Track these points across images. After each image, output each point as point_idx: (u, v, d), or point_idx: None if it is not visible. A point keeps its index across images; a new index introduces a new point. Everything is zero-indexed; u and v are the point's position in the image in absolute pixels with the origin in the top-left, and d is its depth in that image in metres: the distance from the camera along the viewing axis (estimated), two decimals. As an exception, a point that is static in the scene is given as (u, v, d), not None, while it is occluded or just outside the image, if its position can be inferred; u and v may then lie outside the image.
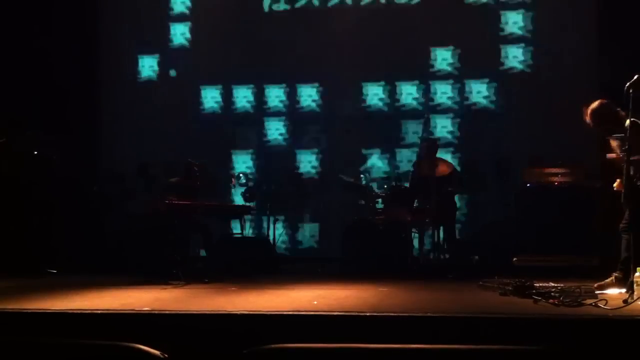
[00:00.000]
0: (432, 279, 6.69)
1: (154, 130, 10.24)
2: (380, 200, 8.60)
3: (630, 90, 5.48)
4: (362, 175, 9.29)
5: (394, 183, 8.74)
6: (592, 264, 6.38)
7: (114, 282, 6.29)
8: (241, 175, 9.41)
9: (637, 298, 4.78)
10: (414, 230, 8.09)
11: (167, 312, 4.56)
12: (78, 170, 9.10)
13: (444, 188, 8.15)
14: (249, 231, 9.46)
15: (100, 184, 9.40)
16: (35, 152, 7.91)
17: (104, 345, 3.74)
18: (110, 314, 4.47)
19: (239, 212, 8.67)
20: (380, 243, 7.92)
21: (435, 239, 8.34)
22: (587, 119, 5.98)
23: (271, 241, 9.10)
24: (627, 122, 5.45)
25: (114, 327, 4.30)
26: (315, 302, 5.02)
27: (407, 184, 8.66)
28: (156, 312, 4.54)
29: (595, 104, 5.99)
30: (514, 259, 7.21)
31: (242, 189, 9.35)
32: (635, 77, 5.48)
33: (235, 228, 9.01)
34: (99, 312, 4.49)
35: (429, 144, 8.48)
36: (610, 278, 5.68)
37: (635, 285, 4.88)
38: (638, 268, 4.92)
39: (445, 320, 4.22)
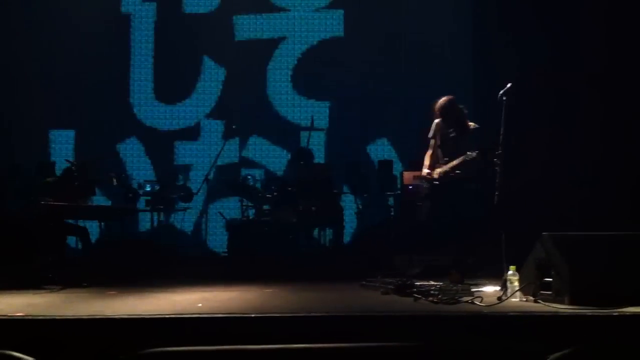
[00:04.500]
0: (317, 280, 6.74)
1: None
2: (266, 201, 8.62)
3: (504, 98, 5.78)
4: (249, 177, 9.28)
5: (280, 185, 8.77)
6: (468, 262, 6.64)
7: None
8: (123, 175, 9.14)
9: (511, 295, 5.03)
10: (300, 231, 8.15)
11: (40, 317, 4.35)
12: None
13: (327, 190, 8.27)
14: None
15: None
16: None
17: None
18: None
19: (119, 214, 8.41)
20: (266, 244, 7.91)
21: (322, 241, 8.44)
22: (436, 111, 6.82)
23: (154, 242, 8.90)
24: (472, 125, 6.65)
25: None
26: (200, 305, 4.95)
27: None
28: (29, 317, 4.32)
29: (443, 100, 6.78)
30: (395, 259, 7.38)
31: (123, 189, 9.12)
32: (508, 85, 5.79)
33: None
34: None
35: (300, 152, 8.69)
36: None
37: (508, 283, 5.12)
38: (511, 267, 5.17)
39: (329, 319, 4.27)
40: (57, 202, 7.04)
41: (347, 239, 9.27)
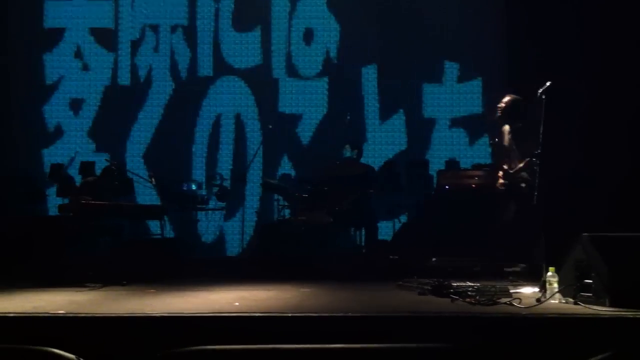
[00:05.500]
0: (353, 280, 6.74)
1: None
2: (301, 201, 8.63)
3: (543, 97, 5.71)
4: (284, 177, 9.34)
5: (315, 184, 8.78)
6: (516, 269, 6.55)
7: (25, 285, 6.06)
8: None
9: (550, 297, 4.97)
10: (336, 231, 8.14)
11: (82, 315, 4.43)
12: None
13: (359, 189, 8.25)
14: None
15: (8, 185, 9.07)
16: None
17: (17, 350, 3.62)
18: (23, 318, 4.31)
19: (155, 213, 8.49)
20: (301, 243, 7.93)
21: (357, 241, 8.42)
22: (501, 107, 6.48)
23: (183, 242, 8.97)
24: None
25: (27, 331, 4.15)
26: (237, 304, 4.98)
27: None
28: (71, 315, 4.40)
29: (512, 97, 6.46)
30: (433, 259, 7.34)
31: (216, 189, 9.28)
32: (548, 83, 5.72)
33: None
34: (11, 315, 4.32)
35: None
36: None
37: (547, 284, 5.06)
38: (550, 268, 5.10)
39: (366, 319, 4.27)
40: (97, 201, 7.14)
41: (382, 238, 9.23)
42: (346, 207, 8.12)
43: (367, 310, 4.76)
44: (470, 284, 5.56)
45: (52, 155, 10.08)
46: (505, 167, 6.60)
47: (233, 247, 9.99)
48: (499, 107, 6.65)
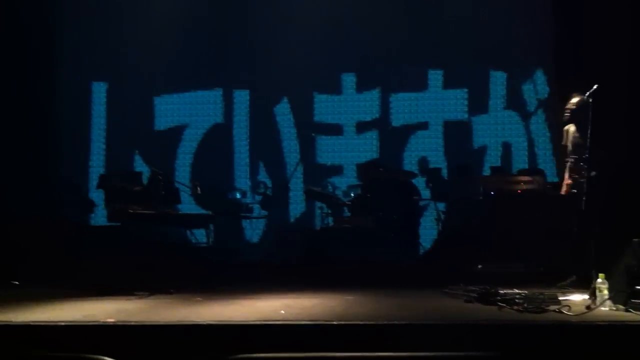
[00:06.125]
0: (398, 287, 6.71)
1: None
2: (345, 208, 8.64)
3: (590, 100, 5.63)
4: (327, 183, 9.35)
5: (359, 191, 8.78)
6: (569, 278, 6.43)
7: (75, 294, 6.18)
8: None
9: (600, 304, 4.87)
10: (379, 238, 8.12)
11: (131, 323, 4.50)
12: (31, 181, 8.97)
13: (406, 196, 8.23)
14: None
15: (57, 193, 9.25)
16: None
17: (69, 358, 3.69)
18: (74, 326, 4.39)
19: (201, 221, 8.58)
20: (345, 251, 7.93)
21: (401, 247, 8.37)
22: (569, 108, 6.41)
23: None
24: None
25: (78, 340, 4.23)
26: (283, 312, 5.00)
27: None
28: (121, 323, 4.47)
29: (579, 97, 6.33)
30: (479, 266, 7.27)
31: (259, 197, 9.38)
32: (595, 86, 5.63)
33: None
34: (63, 324, 4.41)
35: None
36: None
37: (597, 291, 4.97)
38: (600, 274, 5.01)
39: (412, 327, 4.25)
40: (145, 211, 7.25)
41: (427, 245, 9.17)
42: (389, 213, 8.10)
43: (413, 318, 4.74)
44: (517, 291, 5.50)
45: (100, 165, 10.30)
46: (567, 172, 6.46)
47: (277, 254, 10.01)
48: (567, 108, 6.55)
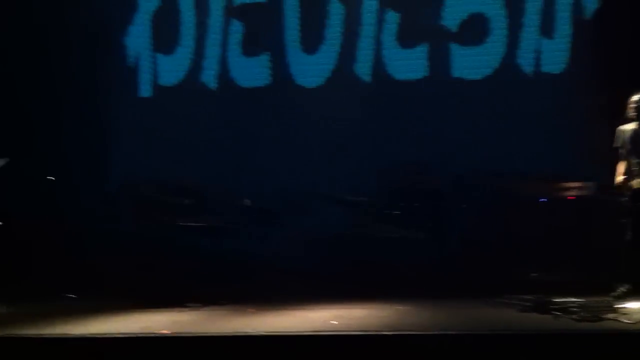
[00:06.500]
0: (447, 296, 6.65)
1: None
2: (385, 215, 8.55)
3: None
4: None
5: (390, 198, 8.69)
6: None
7: (130, 305, 6.27)
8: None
9: (659, 312, 4.77)
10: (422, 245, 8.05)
11: (185, 334, 4.56)
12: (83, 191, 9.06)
13: (442, 202, 8.15)
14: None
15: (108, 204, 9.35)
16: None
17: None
18: (130, 338, 4.46)
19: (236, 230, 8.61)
20: (385, 259, 7.87)
21: (446, 255, 8.27)
22: (631, 106, 6.20)
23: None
24: None
25: (135, 351, 4.29)
26: (335, 322, 5.00)
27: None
28: (175, 335, 4.54)
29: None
30: (532, 274, 7.16)
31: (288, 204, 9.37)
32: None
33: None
34: (120, 336, 4.49)
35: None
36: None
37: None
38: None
39: (465, 338, 4.21)
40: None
41: (473, 253, 9.02)
42: (433, 219, 8.03)
43: (466, 328, 4.69)
44: (573, 299, 5.41)
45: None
46: (621, 169, 6.22)
47: (315, 263, 9.95)
48: (629, 107, 6.32)
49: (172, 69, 9.76)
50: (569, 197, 7.70)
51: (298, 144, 9.52)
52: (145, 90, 9.79)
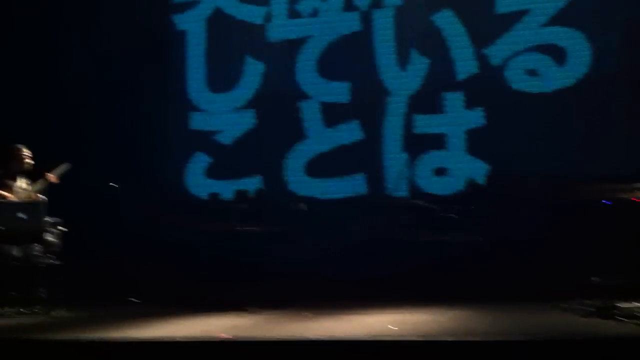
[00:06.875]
0: (507, 301, 6.55)
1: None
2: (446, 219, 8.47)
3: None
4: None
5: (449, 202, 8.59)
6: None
7: (191, 310, 6.36)
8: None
9: None
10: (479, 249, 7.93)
11: (244, 339, 4.60)
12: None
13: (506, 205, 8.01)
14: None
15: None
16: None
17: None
18: (191, 342, 4.53)
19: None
20: (444, 264, 7.78)
21: (505, 259, 8.13)
22: None
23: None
24: None
25: (194, 354, 4.35)
26: (394, 327, 4.97)
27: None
28: (235, 339, 4.58)
29: None
30: (593, 278, 6.99)
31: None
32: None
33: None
34: (180, 340, 4.56)
35: None
36: None
37: None
38: None
39: (527, 344, 4.13)
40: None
41: (535, 256, 8.87)
42: (493, 223, 7.92)
43: (527, 333, 4.60)
44: (638, 304, 5.26)
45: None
46: None
47: (373, 267, 9.94)
48: None
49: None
50: (633, 199, 7.50)
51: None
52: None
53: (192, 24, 9.63)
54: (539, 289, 7.06)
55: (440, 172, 8.79)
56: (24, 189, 6.87)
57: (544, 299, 6.28)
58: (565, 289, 6.55)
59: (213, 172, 9.55)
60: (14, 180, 6.85)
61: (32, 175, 7.07)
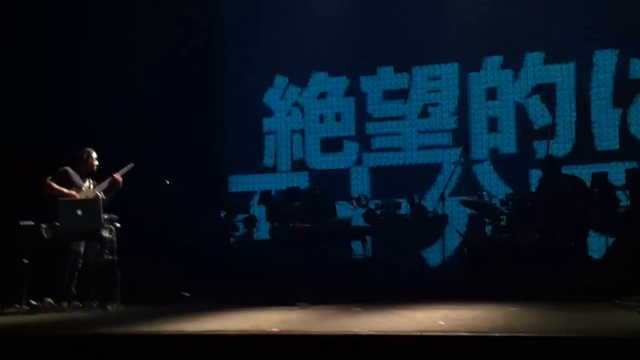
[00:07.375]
0: (564, 299, 6.42)
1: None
2: (504, 218, 8.38)
3: None
4: (483, 193, 9.12)
5: (518, 200, 8.47)
6: None
7: (243, 305, 6.44)
8: (362, 197, 9.39)
9: None
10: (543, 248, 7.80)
11: (294, 333, 4.63)
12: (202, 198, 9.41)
13: (573, 205, 7.84)
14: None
15: (226, 211, 9.65)
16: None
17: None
18: (242, 336, 4.57)
19: (360, 234, 8.68)
20: (506, 262, 7.69)
21: (564, 258, 7.99)
22: None
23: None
24: None
25: (246, 348, 4.39)
26: (442, 323, 4.94)
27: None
28: (284, 333, 4.61)
29: None
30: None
31: (363, 210, 9.36)
32: None
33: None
34: (231, 333, 4.61)
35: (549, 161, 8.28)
36: None
37: None
38: None
39: (581, 341, 4.04)
40: (304, 225, 7.46)
41: (594, 254, 8.67)
42: (553, 223, 7.77)
43: (583, 330, 4.51)
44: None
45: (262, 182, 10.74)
46: None
47: (434, 266, 9.91)
48: None
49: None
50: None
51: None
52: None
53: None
54: (598, 287, 6.91)
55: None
56: (92, 190, 7.06)
57: (604, 297, 6.14)
58: (624, 286, 6.40)
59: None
60: (83, 181, 7.06)
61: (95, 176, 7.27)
